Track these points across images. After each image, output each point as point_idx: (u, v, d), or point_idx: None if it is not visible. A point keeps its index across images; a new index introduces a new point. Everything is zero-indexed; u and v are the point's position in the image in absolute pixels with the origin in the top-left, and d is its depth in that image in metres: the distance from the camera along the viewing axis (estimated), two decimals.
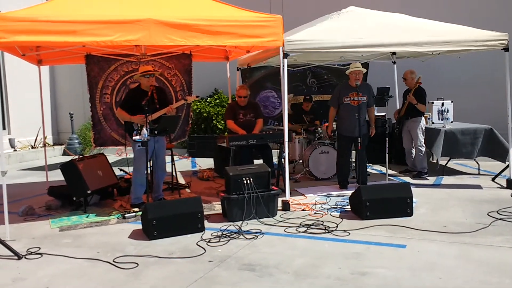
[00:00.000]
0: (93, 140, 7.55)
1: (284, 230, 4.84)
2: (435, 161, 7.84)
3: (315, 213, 5.45)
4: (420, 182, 7.01)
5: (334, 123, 7.06)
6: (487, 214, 5.16)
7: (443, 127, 7.31)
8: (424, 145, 7.38)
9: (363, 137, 6.37)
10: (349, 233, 4.66)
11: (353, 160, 7.34)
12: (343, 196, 6.18)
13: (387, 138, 6.51)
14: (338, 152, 6.86)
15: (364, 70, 6.58)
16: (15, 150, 11.37)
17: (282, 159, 6.16)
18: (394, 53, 8.05)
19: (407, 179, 7.22)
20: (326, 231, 4.75)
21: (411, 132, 7.49)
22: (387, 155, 6.59)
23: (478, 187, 6.61)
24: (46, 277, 3.80)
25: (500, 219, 4.98)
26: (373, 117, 6.77)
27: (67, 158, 8.19)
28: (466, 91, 9.67)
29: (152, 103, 5.67)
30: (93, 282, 3.68)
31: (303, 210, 5.62)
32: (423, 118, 7.45)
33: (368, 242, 4.39)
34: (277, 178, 6.57)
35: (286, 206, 5.60)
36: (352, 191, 5.54)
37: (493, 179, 6.99)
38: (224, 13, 5.54)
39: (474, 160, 7.59)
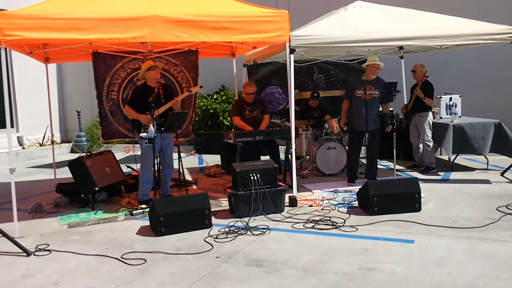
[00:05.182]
0: (101, 135, 7.64)
1: (292, 226, 4.83)
2: (446, 158, 7.77)
3: (322, 209, 5.44)
4: (428, 177, 6.97)
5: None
6: (496, 209, 5.13)
7: (451, 121, 7.25)
8: (431, 140, 7.33)
9: (373, 132, 6.35)
10: (357, 229, 4.65)
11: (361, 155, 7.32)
12: (350, 191, 6.17)
13: (394, 133, 6.48)
14: (348, 146, 6.83)
15: (382, 64, 6.45)
16: (23, 148, 11.46)
17: (289, 155, 6.15)
18: (401, 47, 7.99)
19: (415, 174, 7.18)
20: (334, 226, 4.74)
21: (419, 127, 7.44)
22: (394, 150, 6.55)
23: (487, 182, 6.56)
24: (55, 273, 3.82)
25: (509, 214, 4.94)
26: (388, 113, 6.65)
27: (74, 156, 8.25)
28: (474, 85, 9.58)
29: (158, 99, 5.67)
30: (102, 278, 3.69)
31: (310, 206, 5.61)
32: (430, 113, 7.40)
33: (376, 237, 4.38)
34: (284, 174, 6.55)
35: (293, 202, 5.60)
36: (359, 187, 5.52)
37: (502, 174, 6.94)
38: (230, 8, 5.53)
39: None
